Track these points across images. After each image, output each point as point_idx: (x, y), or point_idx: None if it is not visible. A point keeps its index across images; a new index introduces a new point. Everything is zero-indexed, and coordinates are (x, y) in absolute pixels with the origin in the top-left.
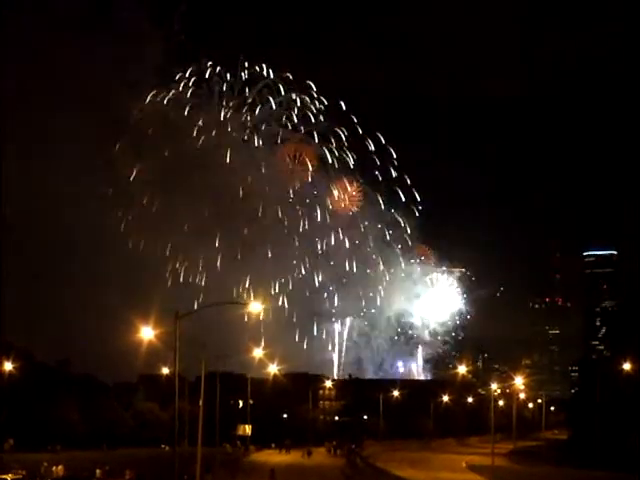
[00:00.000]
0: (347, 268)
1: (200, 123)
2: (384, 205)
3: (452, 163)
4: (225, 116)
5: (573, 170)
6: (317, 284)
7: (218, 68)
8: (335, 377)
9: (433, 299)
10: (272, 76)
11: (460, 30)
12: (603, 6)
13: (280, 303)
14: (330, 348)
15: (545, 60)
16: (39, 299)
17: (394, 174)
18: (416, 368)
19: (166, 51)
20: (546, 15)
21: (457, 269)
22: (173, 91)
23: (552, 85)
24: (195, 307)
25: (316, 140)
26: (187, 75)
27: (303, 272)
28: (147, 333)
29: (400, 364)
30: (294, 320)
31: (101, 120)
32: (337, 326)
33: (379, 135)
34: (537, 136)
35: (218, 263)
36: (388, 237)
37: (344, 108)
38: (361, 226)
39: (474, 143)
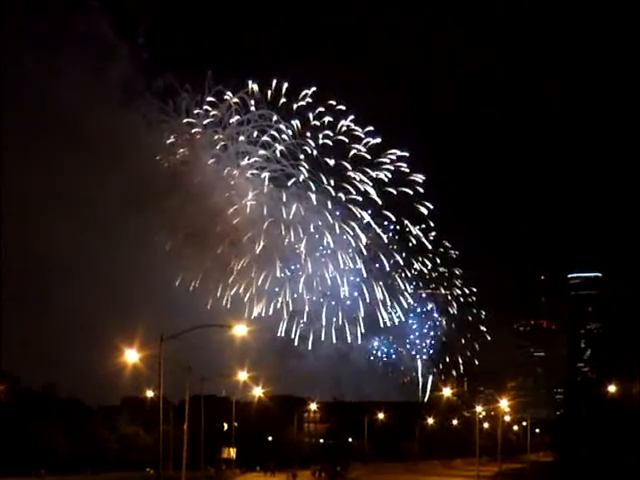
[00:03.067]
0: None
1: (168, 140)
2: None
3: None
4: (192, 133)
5: (558, 192)
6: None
7: (186, 86)
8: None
9: (416, 322)
10: (241, 92)
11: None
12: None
13: (262, 325)
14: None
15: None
16: (23, 324)
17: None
18: None
19: (131, 66)
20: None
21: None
22: (139, 107)
23: (536, 109)
24: (179, 329)
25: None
26: (152, 91)
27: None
28: (132, 356)
29: None
30: (276, 341)
31: (67, 138)
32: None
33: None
34: (519, 158)
35: (197, 283)
36: (363, 249)
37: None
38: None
39: (456, 162)
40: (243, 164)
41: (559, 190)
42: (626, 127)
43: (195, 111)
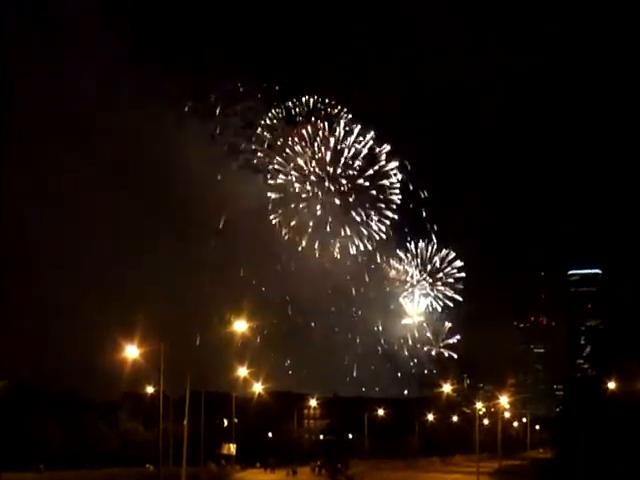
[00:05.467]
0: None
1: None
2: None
3: (430, 180)
4: (181, 122)
5: (558, 188)
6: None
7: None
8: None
9: (415, 318)
10: (230, 84)
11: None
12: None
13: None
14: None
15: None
16: (21, 316)
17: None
18: None
19: (117, 52)
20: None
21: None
22: (123, 97)
23: (535, 97)
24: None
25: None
26: (138, 77)
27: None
28: (132, 352)
29: None
30: (275, 337)
31: (49, 122)
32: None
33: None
34: (519, 153)
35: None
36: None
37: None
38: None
39: (454, 156)
40: (231, 158)
41: (559, 185)
42: (626, 122)
43: (182, 103)
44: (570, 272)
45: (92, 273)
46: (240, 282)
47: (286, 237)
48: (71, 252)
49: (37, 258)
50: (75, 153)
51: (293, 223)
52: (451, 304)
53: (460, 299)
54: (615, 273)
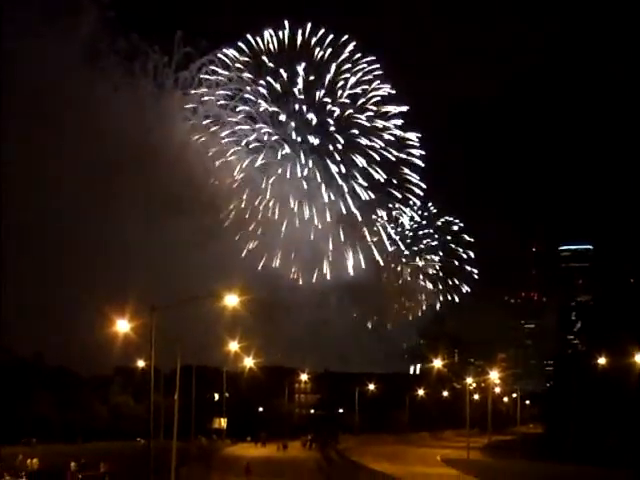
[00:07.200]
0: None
1: (136, 104)
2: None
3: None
4: (159, 96)
5: (549, 164)
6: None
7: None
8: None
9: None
10: (211, 55)
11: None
12: None
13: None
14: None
15: (524, 54)
16: (14, 292)
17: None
18: None
19: (96, 27)
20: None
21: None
22: (104, 70)
23: (528, 80)
24: (170, 299)
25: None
26: (116, 51)
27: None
28: (123, 326)
29: None
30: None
31: (31, 105)
32: None
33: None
34: (511, 130)
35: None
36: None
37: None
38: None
39: (448, 136)
40: (214, 129)
41: (551, 161)
42: (620, 100)
43: (164, 74)
44: (561, 248)
45: (83, 248)
46: (227, 257)
47: (268, 213)
48: (64, 228)
49: (29, 236)
50: (50, 128)
51: (275, 196)
52: (455, 297)
53: (468, 289)
54: (606, 249)
